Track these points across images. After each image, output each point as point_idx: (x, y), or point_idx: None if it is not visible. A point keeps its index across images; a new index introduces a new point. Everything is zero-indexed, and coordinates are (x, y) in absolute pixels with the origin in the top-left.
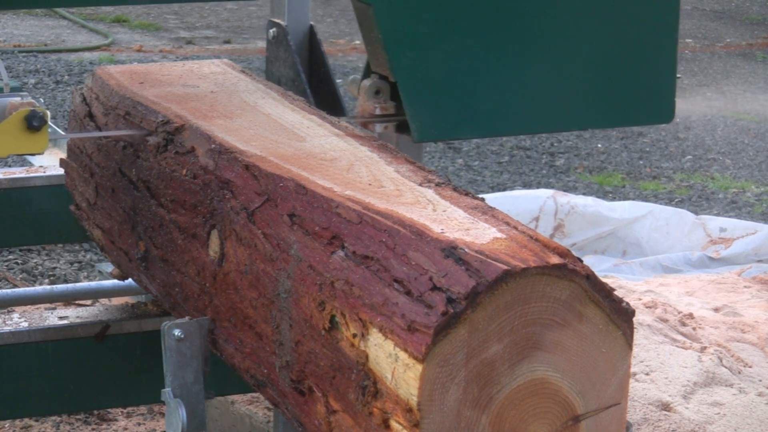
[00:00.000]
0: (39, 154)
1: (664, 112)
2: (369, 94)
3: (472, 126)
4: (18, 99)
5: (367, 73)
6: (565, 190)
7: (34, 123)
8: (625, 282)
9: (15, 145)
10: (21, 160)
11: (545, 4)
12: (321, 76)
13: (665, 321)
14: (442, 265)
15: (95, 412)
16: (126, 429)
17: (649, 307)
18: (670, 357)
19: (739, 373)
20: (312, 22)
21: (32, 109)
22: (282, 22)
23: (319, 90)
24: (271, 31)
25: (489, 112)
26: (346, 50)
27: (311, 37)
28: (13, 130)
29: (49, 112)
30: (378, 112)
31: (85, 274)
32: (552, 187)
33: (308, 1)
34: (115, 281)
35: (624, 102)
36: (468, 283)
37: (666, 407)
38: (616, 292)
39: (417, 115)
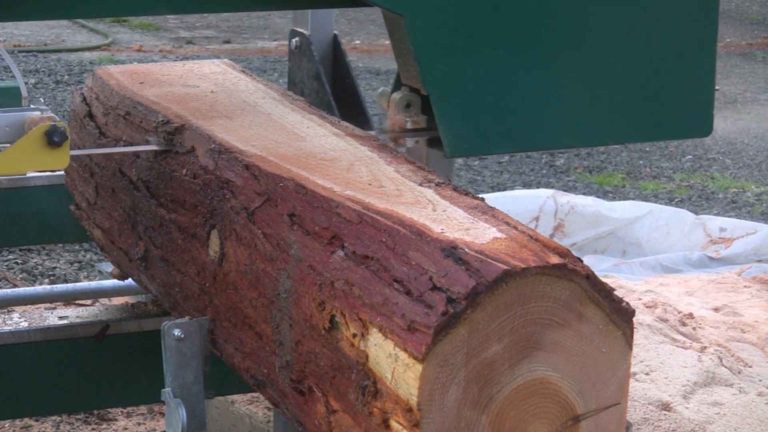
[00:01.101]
0: (60, 170)
1: (702, 126)
2: (399, 108)
3: (505, 140)
4: (37, 113)
5: (397, 85)
6: (565, 190)
7: (54, 138)
8: (625, 282)
9: (35, 162)
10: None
11: (581, 15)
12: (345, 87)
13: (665, 321)
14: (442, 265)
15: (95, 411)
16: (126, 429)
17: (649, 307)
18: (670, 357)
19: (739, 372)
20: (336, 32)
21: (53, 123)
22: (305, 32)
23: (343, 101)
24: (293, 40)
25: (523, 126)
26: (347, 50)
27: (335, 47)
28: (34, 145)
29: (67, 126)
30: (409, 126)
31: (85, 273)
32: (552, 187)
33: (332, 11)
34: (115, 281)
35: (661, 115)
36: (468, 283)
37: (666, 407)
38: (616, 292)
39: (449, 130)
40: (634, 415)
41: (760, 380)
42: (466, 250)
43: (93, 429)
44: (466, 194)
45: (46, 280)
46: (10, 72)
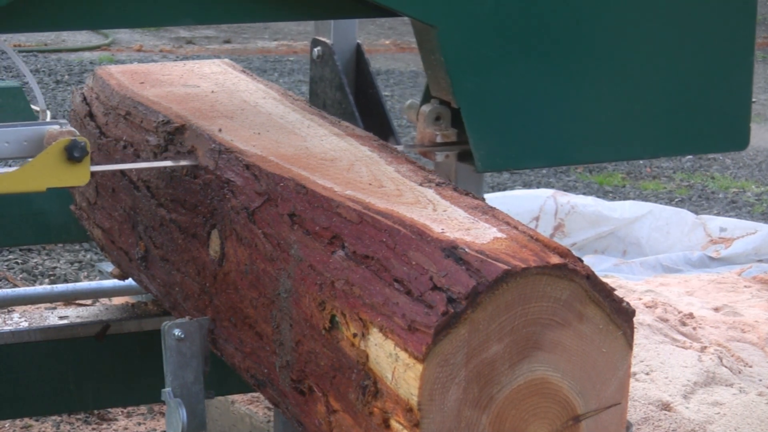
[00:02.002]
0: (80, 186)
1: (739, 139)
2: (429, 121)
3: (538, 155)
4: (57, 127)
5: (426, 97)
6: (565, 190)
7: (75, 154)
8: (626, 282)
9: (55, 178)
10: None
11: (617, 26)
12: (369, 98)
13: (665, 321)
14: (443, 265)
15: (95, 411)
16: (126, 429)
17: (650, 307)
18: (671, 357)
19: (740, 372)
20: (359, 41)
21: (73, 138)
22: (327, 41)
23: (367, 113)
24: (315, 49)
25: (556, 140)
26: None
27: (358, 57)
28: (53, 161)
29: (88, 141)
30: (439, 139)
31: (86, 273)
32: (552, 187)
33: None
34: (116, 281)
35: (697, 128)
36: (468, 283)
37: (666, 407)
38: (616, 292)
39: (481, 144)
40: (634, 415)
41: (761, 380)
42: (467, 250)
43: (93, 429)
44: (467, 194)
45: (47, 280)
46: (11, 72)
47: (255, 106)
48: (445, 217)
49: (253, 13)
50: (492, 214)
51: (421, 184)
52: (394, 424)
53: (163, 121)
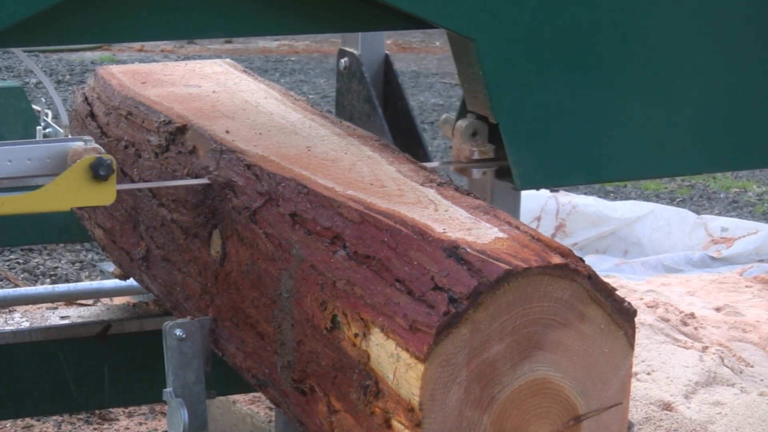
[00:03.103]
0: (105, 204)
1: None
2: (465, 136)
3: (579, 172)
4: (81, 144)
5: (462, 112)
6: (566, 190)
7: (100, 172)
8: (627, 282)
9: (79, 197)
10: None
11: (658, 39)
12: (398, 110)
13: (667, 321)
14: (444, 265)
15: (97, 411)
16: (127, 429)
17: (651, 307)
18: (672, 357)
19: (741, 372)
20: (387, 52)
21: (98, 156)
22: (355, 52)
23: (396, 126)
24: (342, 60)
25: (598, 157)
26: None
27: (387, 68)
28: (78, 179)
29: (114, 159)
30: (476, 156)
31: (87, 273)
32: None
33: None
34: (117, 281)
35: (741, 143)
36: (470, 283)
37: (667, 407)
38: (617, 292)
39: (520, 160)
40: (635, 415)
41: (762, 380)
42: (468, 250)
43: (95, 429)
44: (468, 194)
45: (48, 280)
46: (11, 72)
47: (256, 106)
48: (447, 217)
49: (284, 25)
50: (493, 214)
51: (422, 184)
52: (395, 424)
53: (164, 121)
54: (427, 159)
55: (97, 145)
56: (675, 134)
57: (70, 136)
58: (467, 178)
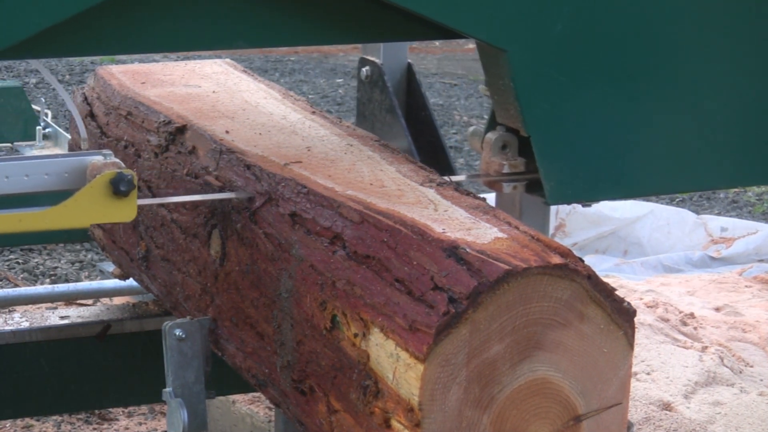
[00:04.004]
0: (126, 221)
1: None
2: (495, 149)
3: (612, 186)
4: (100, 158)
5: (492, 124)
6: None
7: (121, 188)
8: (627, 281)
9: (99, 213)
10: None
11: (693, 50)
12: (421, 120)
13: (666, 320)
14: (444, 265)
15: (96, 411)
16: (127, 428)
17: (651, 307)
18: (671, 356)
19: (740, 372)
20: (410, 60)
21: (119, 171)
22: (377, 60)
23: (419, 136)
24: (363, 69)
25: (631, 171)
26: (347, 50)
27: (409, 77)
28: (97, 195)
29: (135, 174)
30: (506, 170)
31: (87, 273)
32: None
33: None
34: (117, 281)
35: None
36: (469, 283)
37: (667, 407)
38: (617, 292)
39: (552, 174)
40: (635, 415)
41: (762, 380)
42: (468, 250)
43: (94, 429)
44: (468, 194)
45: (48, 280)
46: (11, 72)
47: (256, 107)
48: (446, 217)
49: (310, 36)
50: (493, 214)
51: (422, 184)
52: (395, 424)
53: (164, 121)
54: (451, 171)
55: (117, 160)
56: (709, 147)
57: (88, 149)
58: (496, 192)
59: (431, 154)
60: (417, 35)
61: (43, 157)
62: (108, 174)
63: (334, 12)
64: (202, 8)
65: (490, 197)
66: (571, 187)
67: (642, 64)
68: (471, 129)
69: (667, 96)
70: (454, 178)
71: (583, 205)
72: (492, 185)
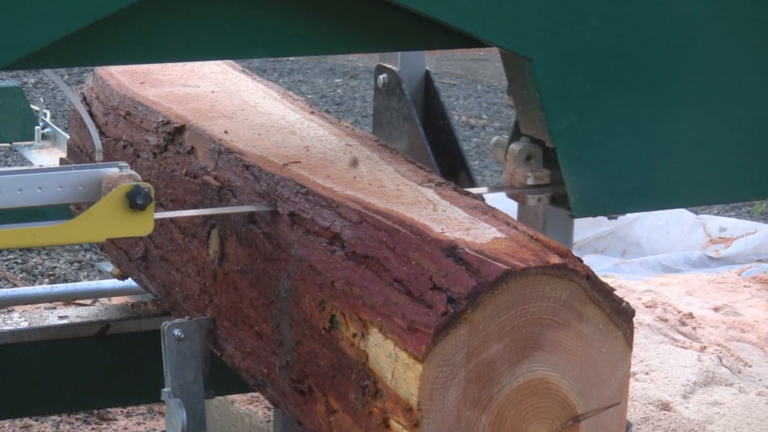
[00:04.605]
0: (142, 236)
1: None
2: (519, 161)
3: (639, 198)
4: (116, 170)
5: (516, 135)
6: None
7: (138, 201)
8: (625, 282)
9: (115, 228)
10: (21, 159)
11: (722, 60)
12: (440, 129)
13: (665, 320)
14: (443, 265)
15: (95, 411)
16: (126, 428)
17: (649, 307)
18: (670, 356)
19: (739, 372)
20: (428, 68)
21: (135, 183)
22: (394, 68)
23: (438, 146)
24: (380, 77)
25: (659, 183)
26: None
27: (427, 85)
28: (113, 209)
29: (152, 187)
30: (531, 181)
31: (85, 273)
32: None
33: None
34: (115, 281)
35: None
36: (468, 283)
37: (666, 407)
38: (616, 292)
39: (578, 187)
40: (634, 415)
41: (760, 380)
42: (467, 250)
43: (93, 429)
44: (466, 194)
45: (46, 280)
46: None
47: (255, 106)
48: (445, 217)
49: (330, 45)
50: (492, 214)
51: (420, 184)
52: (393, 424)
53: (163, 121)
54: (472, 182)
55: (133, 172)
56: (737, 158)
57: (103, 161)
58: (519, 204)
59: (451, 164)
60: (439, 44)
61: (57, 169)
62: (124, 187)
63: (355, 20)
64: (220, 17)
65: (497, 202)
66: (597, 199)
67: (669, 73)
68: (494, 139)
69: (694, 106)
70: (476, 191)
71: (609, 218)
72: (516, 197)
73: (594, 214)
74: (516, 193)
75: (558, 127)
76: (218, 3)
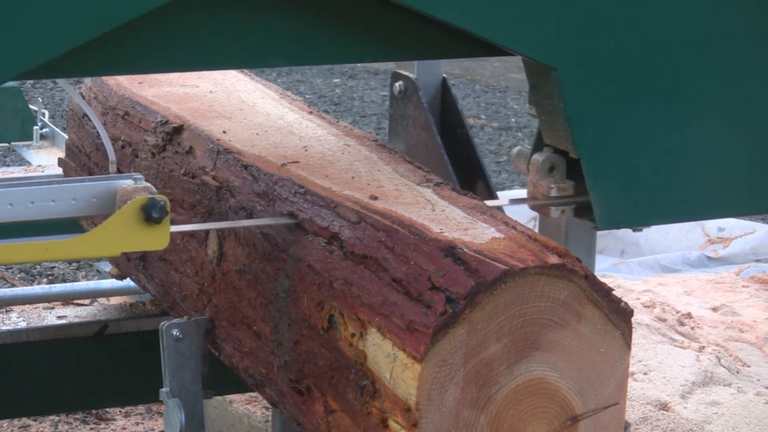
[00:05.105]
0: (158, 249)
1: None
2: (542, 172)
3: (665, 211)
4: (130, 182)
5: (538, 145)
6: None
7: (154, 214)
8: (624, 282)
9: (130, 242)
10: (19, 159)
11: (750, 70)
12: (458, 138)
13: (663, 320)
14: (441, 265)
15: (93, 411)
16: (124, 428)
17: (648, 307)
18: (669, 356)
19: (738, 372)
20: (445, 75)
21: (151, 196)
22: (411, 75)
23: (455, 155)
24: (396, 84)
25: (686, 194)
26: None
27: (444, 93)
28: (128, 222)
29: (167, 200)
30: (554, 193)
31: (84, 273)
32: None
33: None
34: (114, 281)
35: None
36: (467, 283)
37: (664, 407)
38: (614, 292)
39: (603, 199)
40: (632, 415)
41: (759, 380)
42: (465, 249)
43: (91, 428)
44: (465, 194)
45: (45, 280)
46: None
47: (253, 107)
48: (444, 217)
49: (351, 53)
50: (490, 214)
51: (419, 184)
52: (392, 423)
53: (161, 121)
54: (491, 192)
55: (148, 184)
56: (764, 169)
57: (117, 173)
58: (541, 216)
59: (469, 174)
60: (460, 52)
61: (70, 180)
62: (139, 200)
63: (375, 28)
64: (238, 25)
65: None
66: (622, 211)
67: (695, 83)
68: (515, 150)
69: (721, 116)
70: (496, 203)
71: (634, 230)
72: (538, 209)
73: (619, 227)
74: (539, 204)
75: (583, 137)
76: (236, 11)
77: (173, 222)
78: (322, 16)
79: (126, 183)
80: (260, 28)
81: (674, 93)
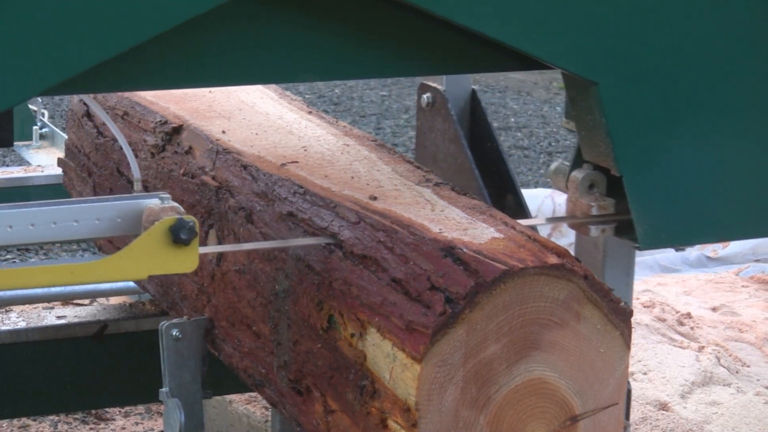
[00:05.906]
0: (187, 272)
1: None
2: (582, 189)
3: (709, 229)
4: (157, 201)
5: (578, 161)
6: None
7: (182, 236)
8: None
9: (157, 264)
10: (19, 159)
11: None
12: (487, 152)
13: (663, 320)
14: (440, 265)
15: (93, 411)
16: (124, 428)
17: (647, 307)
18: (668, 356)
19: (737, 372)
20: (474, 86)
21: (179, 217)
22: (439, 87)
23: (485, 169)
24: (424, 96)
25: (729, 212)
26: None
27: (473, 105)
28: (155, 244)
29: (197, 220)
30: (595, 211)
31: None
32: (550, 187)
33: None
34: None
35: None
36: (466, 283)
37: (664, 407)
38: (614, 292)
39: (645, 217)
40: (632, 415)
41: (758, 380)
42: (464, 250)
43: (91, 428)
44: (464, 194)
45: None
46: None
47: (252, 107)
48: (443, 217)
49: (385, 68)
50: (489, 214)
51: (418, 184)
52: (391, 424)
53: (160, 121)
54: (522, 208)
55: (175, 204)
56: None
57: (142, 192)
58: (578, 234)
59: (500, 188)
60: (497, 66)
61: (95, 200)
62: (167, 221)
63: (411, 42)
64: (269, 40)
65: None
66: (665, 230)
67: (744, 100)
68: (553, 166)
69: (766, 132)
70: (531, 222)
71: (677, 249)
72: (577, 228)
73: (661, 246)
74: (578, 223)
75: (625, 153)
76: (267, 26)
77: None
78: (354, 30)
79: (153, 202)
80: (292, 42)
81: (718, 108)
